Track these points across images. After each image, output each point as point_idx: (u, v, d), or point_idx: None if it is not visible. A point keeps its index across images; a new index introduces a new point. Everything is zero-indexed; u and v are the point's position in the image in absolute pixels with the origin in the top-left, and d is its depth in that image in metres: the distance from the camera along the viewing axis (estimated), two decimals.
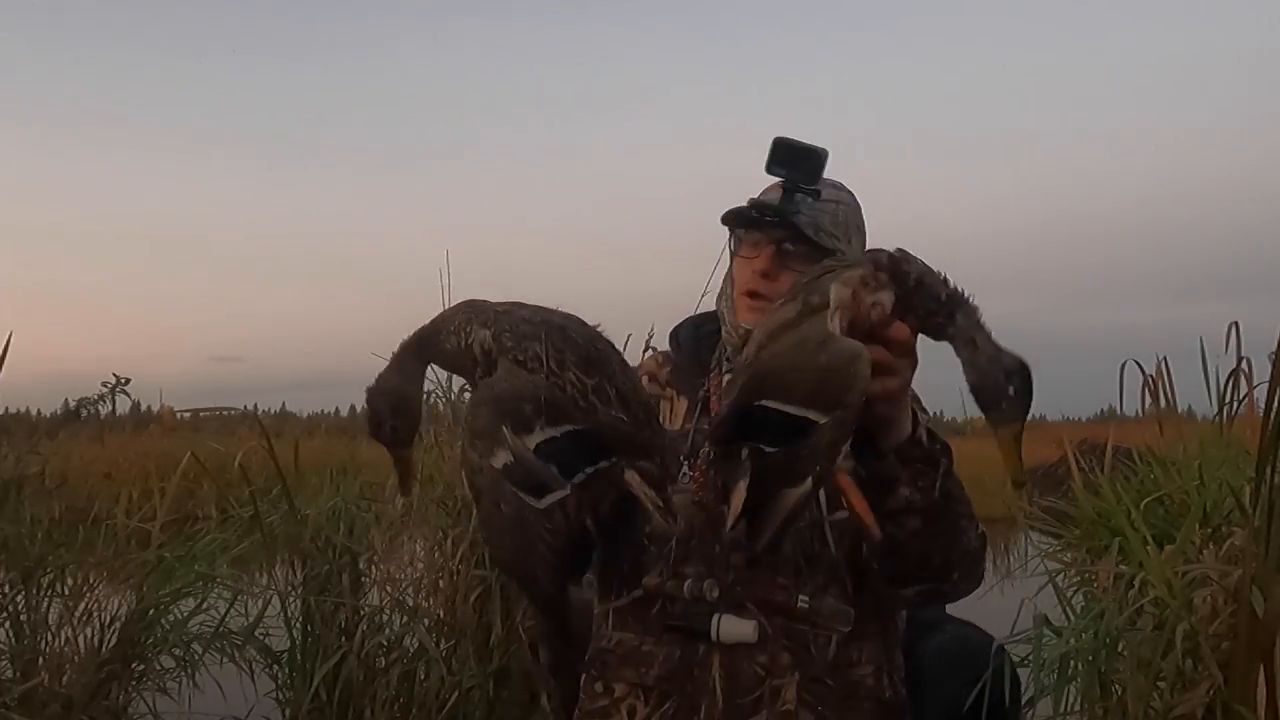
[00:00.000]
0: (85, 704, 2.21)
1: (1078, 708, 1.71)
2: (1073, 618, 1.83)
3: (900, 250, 0.97)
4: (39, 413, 2.99)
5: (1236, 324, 2.15)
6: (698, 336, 1.30)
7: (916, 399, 1.08)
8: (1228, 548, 1.63)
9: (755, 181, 1.24)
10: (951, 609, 1.42)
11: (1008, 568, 2.79)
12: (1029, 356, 0.93)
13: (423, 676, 2.51)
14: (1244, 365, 2.12)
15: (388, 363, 1.05)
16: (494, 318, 1.01)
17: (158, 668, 2.41)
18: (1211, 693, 1.52)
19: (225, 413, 4.43)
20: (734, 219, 1.24)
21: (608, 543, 1.11)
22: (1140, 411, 2.38)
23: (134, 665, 2.38)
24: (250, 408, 4.62)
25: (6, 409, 2.96)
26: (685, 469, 1.18)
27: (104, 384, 2.50)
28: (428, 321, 1.05)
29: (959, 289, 0.96)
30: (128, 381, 2.52)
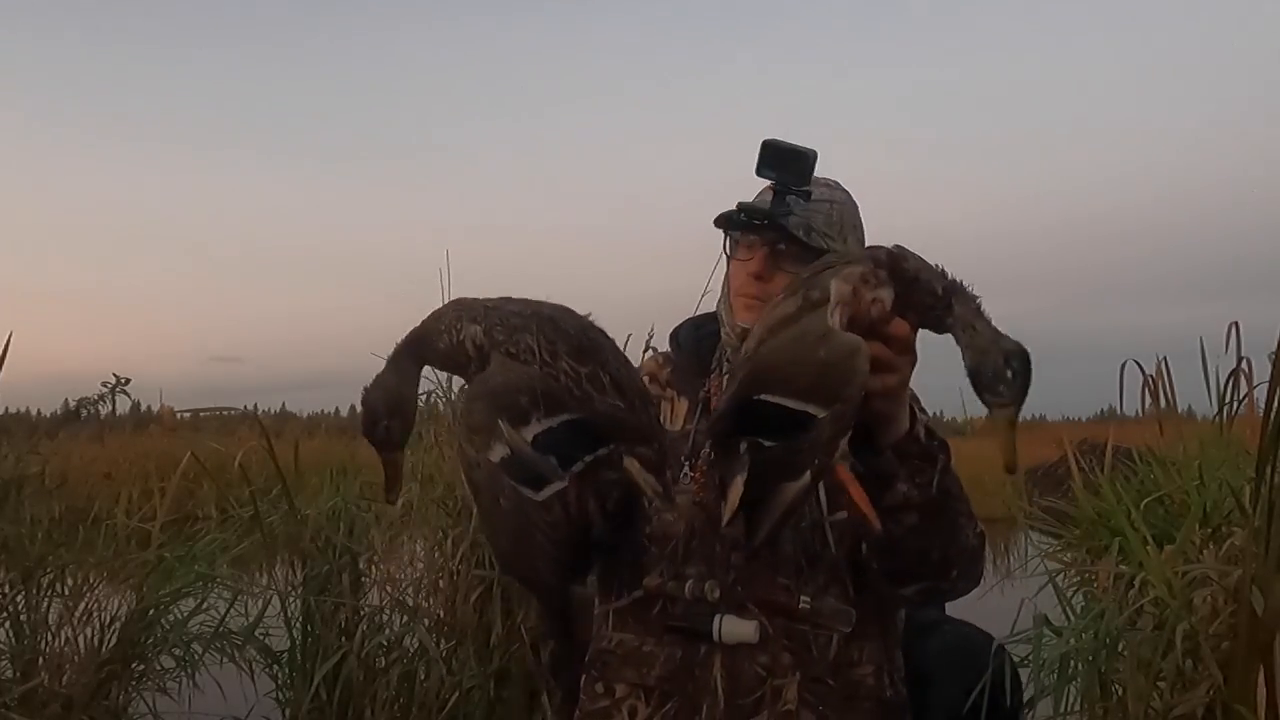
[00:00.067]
0: (85, 704, 2.21)
1: (1078, 708, 1.71)
2: (1073, 618, 1.83)
3: (898, 247, 0.97)
4: (39, 413, 2.99)
5: (1236, 324, 2.15)
6: (698, 337, 1.30)
7: (915, 399, 1.08)
8: (1228, 548, 1.63)
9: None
10: (951, 609, 1.42)
11: (1008, 568, 2.78)
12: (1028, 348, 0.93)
13: (423, 677, 2.51)
14: (1244, 365, 2.13)
15: (384, 366, 1.06)
16: (484, 313, 1.01)
17: (158, 668, 2.41)
18: (1211, 693, 1.51)
19: (225, 413, 4.43)
20: (725, 223, 1.24)
21: (614, 540, 1.11)
22: (1140, 411, 2.38)
23: (134, 665, 2.38)
24: (250, 408, 4.60)
25: (6, 409, 2.97)
26: (686, 470, 1.18)
27: (104, 384, 2.51)
28: (419, 323, 1.06)
29: (956, 279, 0.96)
30: (128, 381, 2.52)
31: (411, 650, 2.54)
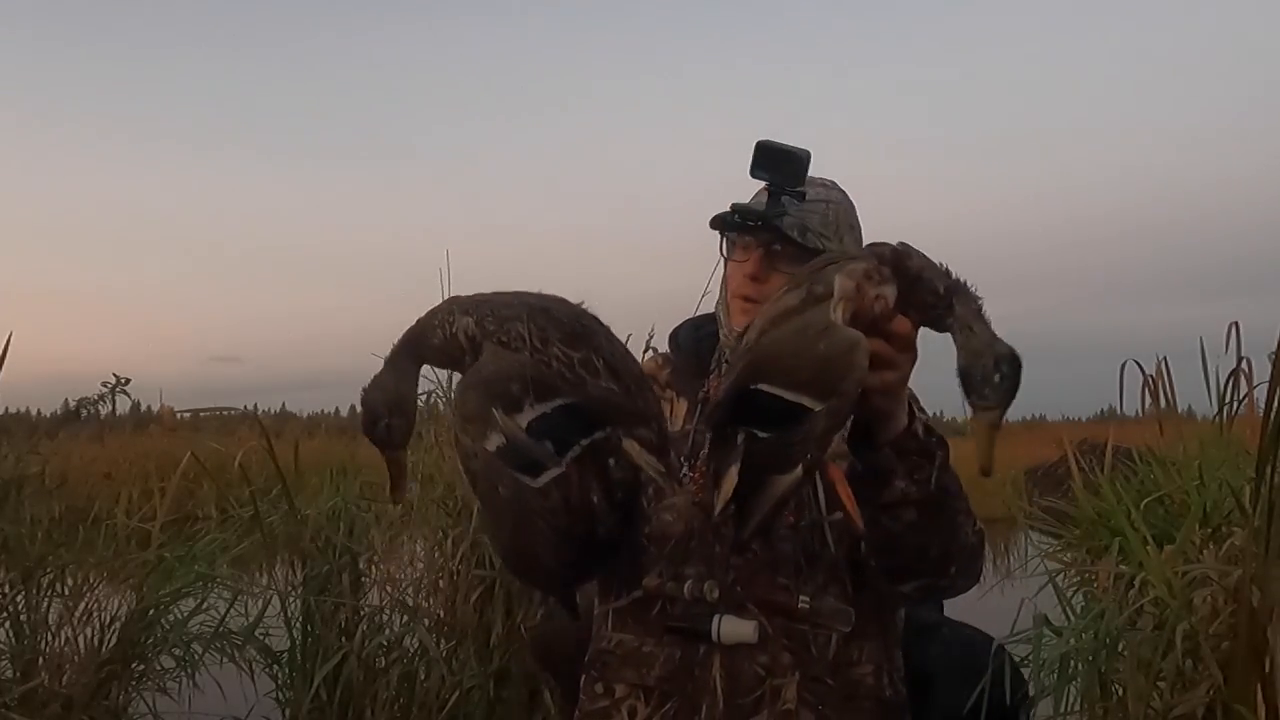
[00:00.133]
0: (85, 704, 2.21)
1: (1078, 708, 1.71)
2: (1073, 618, 1.83)
3: (903, 244, 0.97)
4: (39, 413, 2.99)
5: (1236, 324, 2.15)
6: (697, 338, 1.30)
7: (915, 398, 1.08)
8: (1228, 548, 1.63)
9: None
10: (951, 609, 1.42)
11: (1008, 568, 2.79)
12: (1025, 353, 0.93)
13: (423, 677, 2.51)
14: (1244, 365, 2.12)
15: (381, 366, 1.06)
16: (475, 305, 1.01)
17: (158, 668, 2.41)
18: (1211, 693, 1.51)
19: (225, 413, 4.43)
20: (720, 224, 1.24)
21: (618, 537, 1.11)
22: (1140, 411, 2.38)
23: (134, 665, 2.38)
24: (250, 408, 4.61)
25: (6, 409, 2.96)
26: (685, 470, 1.18)
27: (104, 384, 2.51)
28: (414, 322, 1.06)
29: (959, 279, 0.96)
30: (128, 381, 2.52)
31: (412, 650, 2.55)
